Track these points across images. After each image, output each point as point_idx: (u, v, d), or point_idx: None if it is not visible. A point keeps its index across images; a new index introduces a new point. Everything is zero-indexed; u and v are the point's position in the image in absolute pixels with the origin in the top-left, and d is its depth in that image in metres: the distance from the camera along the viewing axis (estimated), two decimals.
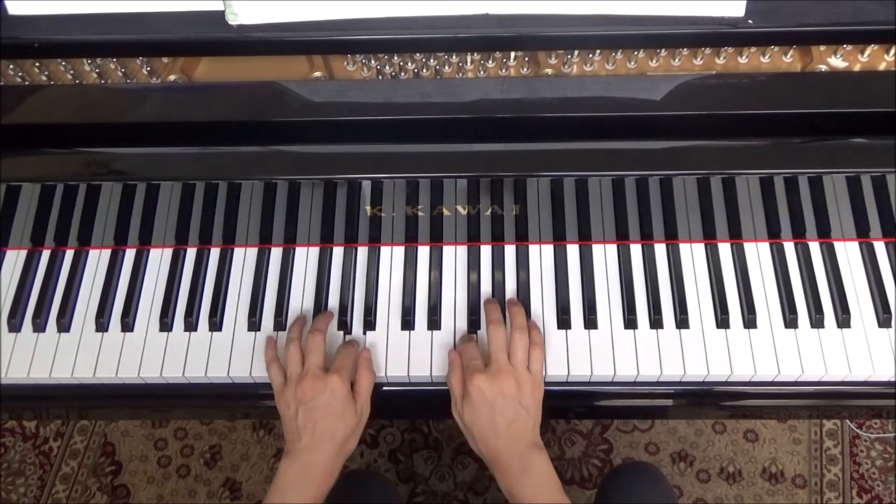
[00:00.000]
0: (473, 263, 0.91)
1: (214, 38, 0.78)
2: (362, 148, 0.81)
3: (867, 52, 0.81)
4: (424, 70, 0.82)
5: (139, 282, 0.92)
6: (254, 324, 0.89)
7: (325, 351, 0.82)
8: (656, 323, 0.87)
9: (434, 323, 0.88)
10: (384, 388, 0.88)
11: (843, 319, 0.86)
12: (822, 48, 0.81)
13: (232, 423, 1.66)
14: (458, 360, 0.83)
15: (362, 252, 0.93)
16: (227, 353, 0.87)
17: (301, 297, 0.91)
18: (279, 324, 0.89)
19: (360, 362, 0.83)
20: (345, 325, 0.89)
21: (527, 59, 0.82)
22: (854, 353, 0.84)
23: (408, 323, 0.88)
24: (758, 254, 0.90)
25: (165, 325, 0.89)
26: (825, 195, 0.83)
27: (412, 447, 1.62)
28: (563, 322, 0.87)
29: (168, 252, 0.94)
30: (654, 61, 0.81)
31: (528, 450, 0.77)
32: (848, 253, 0.90)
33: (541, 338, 0.84)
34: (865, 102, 0.78)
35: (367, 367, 0.83)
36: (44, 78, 0.84)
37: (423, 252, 0.92)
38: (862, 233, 0.89)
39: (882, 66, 0.81)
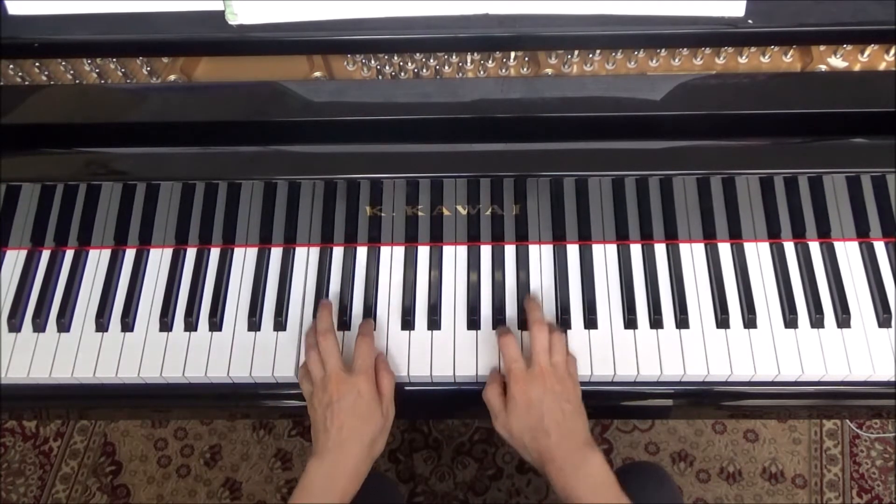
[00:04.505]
0: (473, 263, 0.91)
1: (214, 38, 0.77)
2: (362, 148, 0.81)
3: (867, 52, 0.80)
4: (424, 70, 0.82)
5: (139, 282, 0.92)
6: (254, 324, 0.89)
7: (339, 350, 0.82)
8: (656, 323, 0.87)
9: (434, 323, 0.88)
10: None
11: (843, 319, 0.86)
12: (822, 48, 0.81)
13: (232, 423, 1.66)
14: (495, 374, 0.83)
15: (362, 252, 0.93)
16: (227, 353, 0.87)
17: (301, 297, 0.91)
18: (279, 324, 0.89)
19: (379, 364, 0.83)
20: (345, 325, 0.89)
21: (527, 59, 0.82)
22: (854, 353, 0.84)
23: (408, 323, 0.88)
24: (758, 254, 0.90)
25: (165, 325, 0.89)
26: (825, 195, 0.83)
27: (412, 447, 1.62)
28: (563, 322, 0.87)
29: (168, 252, 0.94)
30: (654, 61, 0.81)
31: (581, 448, 0.76)
32: (848, 253, 0.90)
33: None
34: (865, 102, 0.77)
35: (385, 367, 0.83)
36: (44, 78, 0.83)
37: (423, 252, 0.92)
38: (862, 233, 0.89)
39: (882, 66, 0.81)
